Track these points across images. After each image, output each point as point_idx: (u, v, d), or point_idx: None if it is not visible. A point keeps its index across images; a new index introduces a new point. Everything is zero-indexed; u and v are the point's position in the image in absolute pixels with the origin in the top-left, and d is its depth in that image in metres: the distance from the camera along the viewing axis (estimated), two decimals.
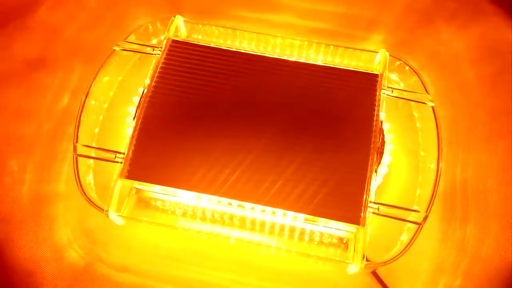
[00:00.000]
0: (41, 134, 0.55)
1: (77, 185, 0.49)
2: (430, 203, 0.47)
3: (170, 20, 0.55)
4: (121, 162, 0.48)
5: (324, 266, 0.51)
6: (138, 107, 0.50)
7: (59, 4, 0.60)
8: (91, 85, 0.53)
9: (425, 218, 0.47)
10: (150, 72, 0.52)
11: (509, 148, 0.52)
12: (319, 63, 0.53)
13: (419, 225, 0.46)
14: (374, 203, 0.46)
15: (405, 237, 0.48)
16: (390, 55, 0.54)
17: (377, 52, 0.54)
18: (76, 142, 0.50)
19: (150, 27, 0.59)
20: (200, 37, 0.59)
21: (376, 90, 0.50)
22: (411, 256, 0.47)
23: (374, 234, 0.46)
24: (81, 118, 0.52)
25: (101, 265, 0.51)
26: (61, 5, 0.60)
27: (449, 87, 0.58)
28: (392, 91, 0.51)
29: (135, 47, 0.55)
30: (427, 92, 0.53)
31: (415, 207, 0.49)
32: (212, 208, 0.50)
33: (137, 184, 0.49)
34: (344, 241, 0.50)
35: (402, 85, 0.58)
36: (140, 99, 0.50)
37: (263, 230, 0.50)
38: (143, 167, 0.47)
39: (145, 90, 0.50)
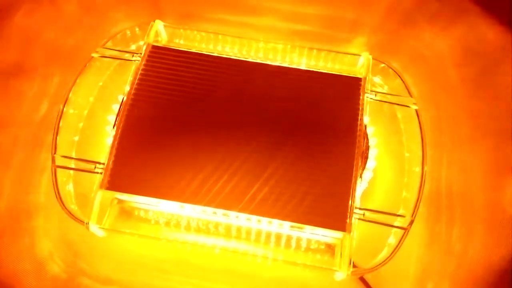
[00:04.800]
0: (18, 144, 0.53)
1: (56, 197, 0.47)
2: (415, 207, 0.47)
3: (150, 25, 0.54)
4: (101, 173, 0.46)
5: (311, 272, 0.50)
6: (117, 115, 0.49)
7: (36, 9, 0.58)
8: (69, 92, 0.52)
9: (411, 223, 0.46)
10: (129, 79, 0.50)
11: (493, 149, 0.52)
12: (303, 67, 0.52)
13: (405, 230, 0.46)
14: (360, 209, 0.46)
15: (391, 241, 0.48)
16: (373, 58, 0.53)
17: (360, 55, 0.54)
18: (55, 152, 0.49)
19: (128, 32, 0.58)
20: (181, 42, 0.58)
21: (359, 94, 0.50)
22: (398, 260, 0.47)
23: (360, 239, 0.46)
24: (60, 127, 0.51)
25: (84, 278, 0.49)
26: (38, 10, 0.59)
27: (433, 88, 0.58)
28: (375, 95, 0.51)
29: (114, 53, 0.53)
30: (411, 95, 0.53)
31: (401, 211, 0.49)
32: (196, 217, 0.49)
33: (118, 195, 0.47)
34: (331, 247, 0.49)
35: (385, 88, 0.57)
36: (120, 107, 0.49)
37: (249, 238, 0.50)
38: (124, 178, 0.46)
39: (125, 98, 0.49)
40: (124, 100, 0.49)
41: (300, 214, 0.45)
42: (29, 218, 0.51)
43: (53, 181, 0.48)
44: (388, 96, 0.52)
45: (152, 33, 0.54)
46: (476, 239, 0.49)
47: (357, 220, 0.46)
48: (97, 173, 0.47)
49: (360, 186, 0.47)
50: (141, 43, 0.55)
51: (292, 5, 0.61)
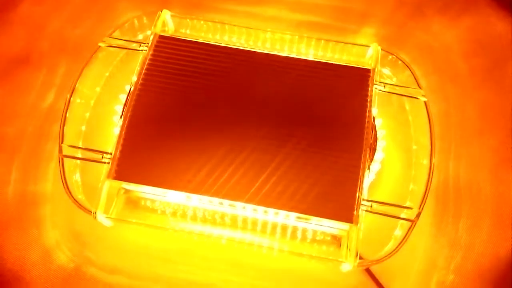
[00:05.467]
0: (26, 134, 0.53)
1: (64, 187, 0.47)
2: (423, 200, 0.47)
3: (157, 15, 0.54)
4: (108, 163, 0.46)
5: (317, 264, 0.50)
6: (125, 105, 0.49)
7: None
8: (76, 82, 0.52)
9: (418, 215, 0.46)
10: (137, 69, 0.50)
11: (502, 142, 0.52)
12: (310, 58, 0.52)
13: (412, 222, 0.46)
14: (367, 200, 0.46)
15: (398, 233, 0.48)
16: (382, 49, 0.53)
17: (369, 46, 0.53)
18: (62, 142, 0.49)
19: (136, 22, 0.57)
20: (188, 32, 0.57)
21: (368, 86, 0.49)
22: (404, 252, 0.47)
23: (367, 231, 0.46)
24: (67, 117, 0.51)
25: (90, 267, 0.50)
26: None
27: (441, 80, 0.57)
28: (384, 86, 0.51)
29: (121, 43, 0.53)
30: (420, 87, 0.53)
31: (408, 204, 0.49)
32: (203, 207, 0.49)
33: (125, 184, 0.47)
34: (337, 238, 0.49)
35: (394, 80, 0.57)
36: (127, 97, 0.49)
37: (255, 229, 0.50)
38: (131, 168, 0.46)
39: (132, 88, 0.49)
40: (131, 90, 0.49)
41: (307, 206, 0.45)
42: (36, 208, 0.51)
43: (60, 171, 0.48)
44: (397, 88, 0.52)
45: (159, 23, 0.53)
46: (483, 233, 0.49)
47: (364, 212, 0.45)
48: (104, 163, 0.47)
49: (368, 178, 0.47)
50: (148, 32, 0.55)
51: None
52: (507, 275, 0.46)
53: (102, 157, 0.47)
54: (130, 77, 0.50)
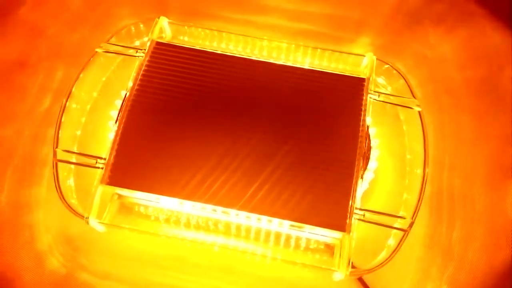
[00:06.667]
0: (21, 138, 0.53)
1: (57, 192, 0.47)
2: (416, 209, 0.47)
3: (154, 22, 0.54)
4: (102, 168, 0.46)
5: (310, 272, 0.50)
6: (120, 110, 0.49)
7: (41, 3, 0.58)
8: (72, 87, 0.52)
9: (411, 225, 0.46)
10: (133, 74, 0.50)
11: (496, 152, 0.52)
12: (306, 66, 0.52)
13: (405, 231, 0.46)
14: (360, 209, 0.46)
15: (391, 242, 0.48)
16: (377, 59, 0.53)
17: (364, 56, 0.53)
18: (56, 147, 0.49)
19: (133, 28, 0.58)
20: (186, 39, 0.58)
21: (362, 95, 0.50)
22: (398, 262, 0.46)
23: (360, 239, 0.46)
24: (62, 121, 0.51)
25: (82, 273, 0.50)
26: (43, 4, 0.59)
27: (436, 90, 0.57)
28: (378, 96, 0.51)
29: (118, 49, 0.53)
30: (414, 96, 0.53)
31: (401, 213, 0.49)
32: (196, 214, 0.49)
33: (119, 190, 0.47)
34: (331, 247, 0.49)
35: (389, 89, 0.57)
36: (123, 102, 0.49)
37: (248, 236, 0.50)
38: (125, 173, 0.46)
39: (128, 94, 0.49)
40: (127, 96, 0.49)
41: (300, 213, 0.45)
42: (29, 212, 0.51)
43: (54, 176, 0.48)
44: (391, 97, 0.52)
45: (156, 30, 0.54)
46: (477, 243, 0.49)
47: (357, 220, 0.45)
48: (98, 168, 0.47)
49: (361, 187, 0.47)
50: (145, 39, 0.55)
51: (297, 4, 0.61)
52: (500, 286, 0.46)
53: (96, 162, 0.47)
54: (126, 83, 0.50)
